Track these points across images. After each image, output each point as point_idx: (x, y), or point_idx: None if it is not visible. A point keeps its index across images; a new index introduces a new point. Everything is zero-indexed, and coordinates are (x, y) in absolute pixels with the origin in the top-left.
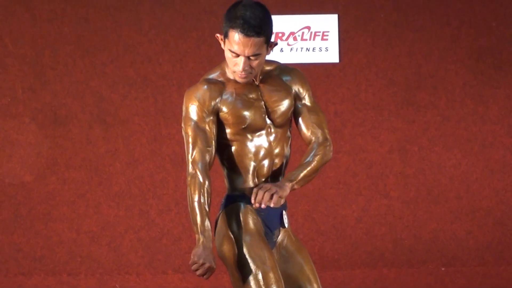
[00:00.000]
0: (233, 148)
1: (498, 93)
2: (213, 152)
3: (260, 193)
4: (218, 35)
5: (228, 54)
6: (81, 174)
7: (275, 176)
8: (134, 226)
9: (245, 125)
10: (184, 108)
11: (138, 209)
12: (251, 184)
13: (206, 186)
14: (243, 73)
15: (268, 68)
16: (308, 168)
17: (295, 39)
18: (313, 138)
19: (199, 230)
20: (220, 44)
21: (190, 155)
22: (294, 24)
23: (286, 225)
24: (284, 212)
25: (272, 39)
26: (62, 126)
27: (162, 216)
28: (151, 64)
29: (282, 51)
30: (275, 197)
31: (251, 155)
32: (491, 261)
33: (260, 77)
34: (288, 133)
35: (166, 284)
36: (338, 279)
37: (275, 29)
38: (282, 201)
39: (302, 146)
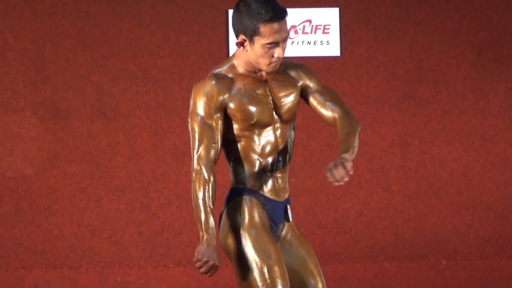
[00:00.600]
0: (240, 144)
1: (499, 86)
2: (219, 148)
3: (337, 171)
4: (239, 40)
5: (261, 51)
6: (82, 168)
7: (279, 172)
8: (135, 219)
9: (253, 121)
10: (191, 103)
11: (139, 203)
12: (256, 179)
13: (211, 183)
14: (279, 59)
15: None
16: (349, 143)
17: (296, 32)
18: (336, 115)
19: (203, 228)
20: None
21: (195, 151)
22: (295, 18)
23: (291, 219)
24: (288, 206)
25: None
26: (63, 120)
27: (163, 210)
28: (152, 58)
29: None
30: (350, 168)
31: (258, 151)
32: (492, 254)
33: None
34: (292, 130)
35: (167, 278)
36: (339, 272)
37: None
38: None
39: (301, 141)
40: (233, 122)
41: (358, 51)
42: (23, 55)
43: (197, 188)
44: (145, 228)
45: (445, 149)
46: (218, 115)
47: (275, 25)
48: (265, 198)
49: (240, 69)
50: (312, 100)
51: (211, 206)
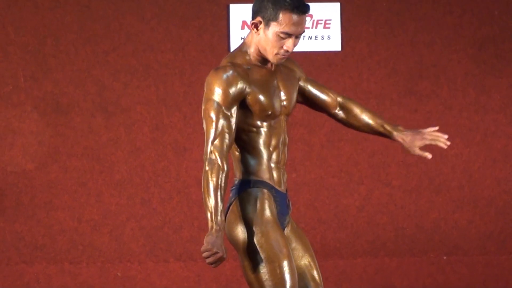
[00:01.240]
0: (251, 134)
1: (501, 82)
2: (233, 138)
3: (434, 136)
4: (254, 21)
5: (273, 38)
6: (83, 163)
7: (283, 163)
8: (136, 214)
9: (269, 112)
10: (208, 90)
11: (140, 198)
12: (266, 170)
13: (225, 172)
14: (287, 52)
15: None
16: (383, 118)
17: None
18: (337, 97)
19: (214, 217)
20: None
21: (210, 140)
22: None
23: (290, 211)
24: (288, 198)
25: None
26: (64, 114)
27: (163, 205)
28: (153, 52)
29: None
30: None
31: (268, 141)
32: (493, 250)
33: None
34: None
35: (167, 273)
36: (340, 268)
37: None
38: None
39: (302, 136)
40: (248, 112)
41: (359, 46)
42: (24, 50)
43: (210, 178)
44: (146, 223)
45: None
46: (235, 105)
47: (295, 17)
48: (276, 190)
49: (252, 59)
50: (310, 88)
51: (223, 197)
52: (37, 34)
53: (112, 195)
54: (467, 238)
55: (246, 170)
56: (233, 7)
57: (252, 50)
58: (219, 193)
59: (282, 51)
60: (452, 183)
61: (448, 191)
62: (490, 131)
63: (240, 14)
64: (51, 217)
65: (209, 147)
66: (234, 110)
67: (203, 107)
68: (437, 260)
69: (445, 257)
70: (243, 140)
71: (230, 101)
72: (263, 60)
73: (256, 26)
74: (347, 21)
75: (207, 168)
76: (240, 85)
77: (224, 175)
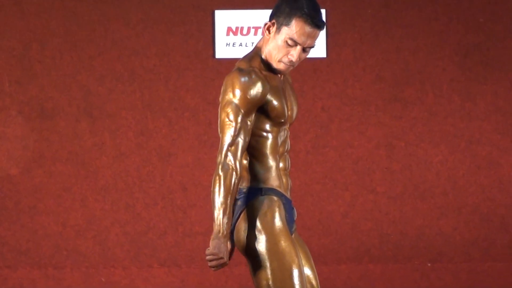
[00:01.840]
0: (262, 140)
1: (486, 89)
2: (247, 144)
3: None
4: (268, 22)
5: (281, 43)
6: (68, 168)
7: (288, 171)
8: (120, 220)
9: (282, 120)
10: (230, 92)
11: (124, 203)
12: (276, 177)
13: (238, 178)
14: (291, 62)
15: None
16: None
17: None
18: None
19: (223, 222)
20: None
21: (228, 144)
22: None
23: (295, 217)
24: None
25: None
26: (49, 119)
27: (148, 210)
28: (138, 58)
29: None
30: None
31: (276, 148)
32: (477, 257)
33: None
34: None
35: (151, 278)
36: (324, 274)
37: (264, 23)
38: None
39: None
40: (264, 118)
41: (344, 52)
42: (9, 54)
43: (224, 181)
44: (130, 228)
45: (431, 151)
46: (254, 111)
47: (307, 28)
48: (285, 198)
49: (265, 65)
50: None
51: (233, 202)
52: (23, 39)
53: (96, 200)
54: (451, 245)
55: (256, 177)
56: (218, 13)
57: (263, 56)
58: (229, 198)
59: (286, 59)
60: (437, 189)
61: (432, 198)
62: (475, 138)
63: (225, 20)
64: (36, 222)
65: (227, 151)
66: (252, 116)
67: (222, 109)
68: (422, 267)
69: (429, 264)
70: (252, 146)
71: (251, 107)
72: (272, 69)
73: (268, 28)
74: (333, 27)
75: (220, 172)
76: (263, 91)
77: (237, 181)
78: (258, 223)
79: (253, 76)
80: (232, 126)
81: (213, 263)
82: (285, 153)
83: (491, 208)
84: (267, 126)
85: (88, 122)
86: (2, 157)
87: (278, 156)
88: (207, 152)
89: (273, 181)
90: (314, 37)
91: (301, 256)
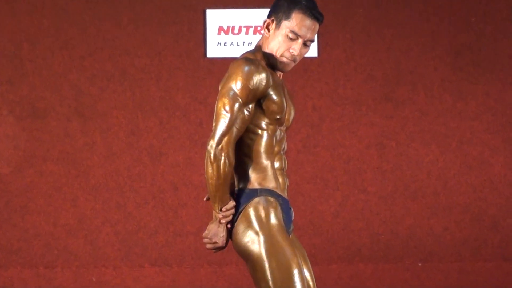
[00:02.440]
0: (257, 137)
1: (477, 89)
2: (241, 134)
3: None
4: (267, 20)
5: (282, 37)
6: (59, 167)
7: (285, 171)
8: (111, 219)
9: (279, 117)
10: (232, 79)
11: (115, 202)
12: (272, 177)
13: (232, 166)
14: (293, 57)
15: None
16: None
17: None
18: None
19: (220, 208)
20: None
21: (222, 132)
22: None
23: (293, 217)
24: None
25: None
26: (40, 119)
27: (139, 210)
28: (130, 57)
29: None
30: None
31: (271, 147)
32: (468, 257)
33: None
34: None
35: (142, 278)
36: (315, 274)
37: (255, 22)
38: None
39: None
40: (262, 113)
41: (335, 52)
42: (0, 54)
43: (223, 170)
44: (121, 228)
45: (422, 151)
46: (254, 101)
47: (307, 21)
48: (282, 198)
49: (266, 62)
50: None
51: (229, 189)
52: (14, 38)
53: (87, 199)
54: (442, 245)
55: (251, 179)
56: (209, 13)
57: (265, 52)
58: (226, 185)
59: (288, 54)
60: (428, 189)
61: (423, 198)
62: (466, 138)
63: (216, 19)
64: (27, 221)
65: (220, 139)
66: (251, 107)
67: (222, 96)
68: (412, 267)
69: (420, 264)
70: (247, 144)
71: (251, 97)
72: (272, 67)
73: (268, 26)
74: (324, 27)
75: (217, 158)
76: (266, 83)
77: (232, 169)
78: (255, 225)
79: (259, 67)
80: (228, 114)
81: (209, 246)
82: (281, 153)
83: (482, 208)
84: (263, 123)
85: (79, 121)
86: None
87: (273, 155)
88: (198, 151)
89: (269, 181)
90: (314, 30)
91: (303, 257)
